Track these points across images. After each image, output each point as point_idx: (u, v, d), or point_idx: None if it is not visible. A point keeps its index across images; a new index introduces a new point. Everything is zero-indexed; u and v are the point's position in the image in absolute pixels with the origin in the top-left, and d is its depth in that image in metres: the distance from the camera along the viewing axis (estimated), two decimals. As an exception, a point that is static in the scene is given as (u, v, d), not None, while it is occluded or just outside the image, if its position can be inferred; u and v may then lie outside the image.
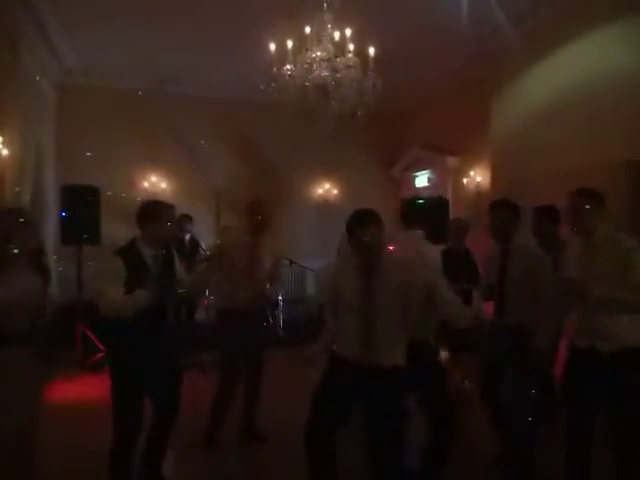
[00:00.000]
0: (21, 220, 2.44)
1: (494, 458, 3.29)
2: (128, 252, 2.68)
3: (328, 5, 4.28)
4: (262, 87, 4.58)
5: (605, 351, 2.46)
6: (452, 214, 7.32)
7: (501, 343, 3.15)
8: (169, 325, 2.94)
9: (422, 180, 8.43)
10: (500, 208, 3.23)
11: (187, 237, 6.48)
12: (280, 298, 6.47)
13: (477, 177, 7.11)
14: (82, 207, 5.66)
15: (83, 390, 4.90)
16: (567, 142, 5.15)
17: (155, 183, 7.82)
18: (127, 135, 7.42)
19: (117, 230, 6.64)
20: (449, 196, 7.56)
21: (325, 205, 8.39)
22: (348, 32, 4.31)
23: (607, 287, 2.41)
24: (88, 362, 5.51)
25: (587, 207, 2.56)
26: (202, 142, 7.59)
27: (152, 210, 2.75)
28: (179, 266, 2.98)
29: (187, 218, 6.47)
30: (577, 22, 5.10)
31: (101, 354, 5.55)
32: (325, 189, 8.61)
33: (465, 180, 7.32)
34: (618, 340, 2.44)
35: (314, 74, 4.17)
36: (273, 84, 4.28)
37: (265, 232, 3.59)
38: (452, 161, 7.59)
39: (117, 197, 6.79)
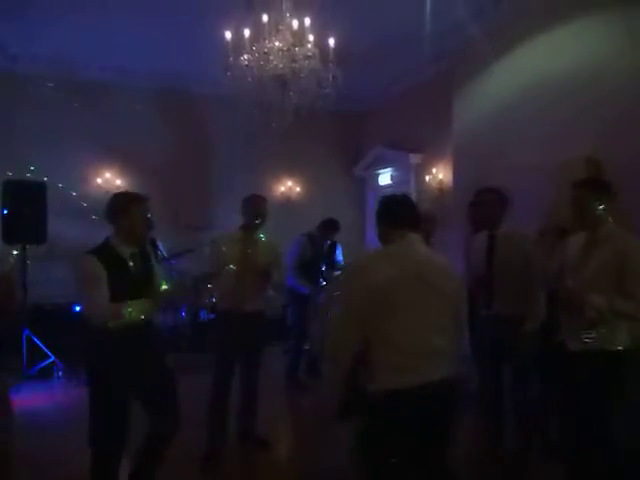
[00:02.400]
0: None
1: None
2: (104, 252, 2.46)
3: (287, -7, 4.13)
4: (218, 78, 4.39)
5: (571, 350, 2.46)
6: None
7: (495, 336, 3.09)
8: (154, 328, 2.74)
9: (385, 178, 8.37)
10: (487, 193, 3.22)
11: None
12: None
13: (439, 174, 7.09)
14: (27, 204, 5.33)
15: (31, 399, 4.61)
16: (528, 138, 5.16)
17: (109, 179, 7.48)
18: (79, 128, 7.06)
19: (65, 229, 6.47)
20: (412, 193, 7.53)
21: (287, 203, 8.23)
22: (307, 22, 4.16)
23: (604, 296, 2.33)
24: (35, 369, 5.19)
25: (591, 199, 2.48)
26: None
27: (125, 203, 2.52)
28: (156, 264, 2.79)
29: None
30: (539, 18, 5.11)
31: (49, 360, 5.25)
32: (287, 187, 8.45)
33: (428, 177, 7.29)
34: (584, 342, 2.42)
35: (272, 64, 4.00)
36: (229, 74, 4.09)
37: (260, 228, 3.49)
38: (415, 158, 7.55)
39: (65, 194, 6.45)
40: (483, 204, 3.24)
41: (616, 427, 2.38)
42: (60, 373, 5.29)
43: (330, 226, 5.25)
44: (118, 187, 7.47)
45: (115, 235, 2.52)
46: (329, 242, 5.36)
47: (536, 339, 3.05)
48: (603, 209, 2.47)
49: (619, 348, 2.38)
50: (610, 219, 2.51)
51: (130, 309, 2.41)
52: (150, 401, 2.57)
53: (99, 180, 7.44)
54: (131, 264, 2.50)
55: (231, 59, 4.18)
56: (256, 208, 3.47)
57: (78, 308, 6.15)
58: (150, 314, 2.56)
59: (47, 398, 4.67)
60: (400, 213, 2.17)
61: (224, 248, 3.37)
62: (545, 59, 5.07)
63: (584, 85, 4.60)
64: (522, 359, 3.04)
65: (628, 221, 3.33)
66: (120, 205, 2.52)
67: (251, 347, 3.50)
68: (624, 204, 4.08)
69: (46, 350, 5.27)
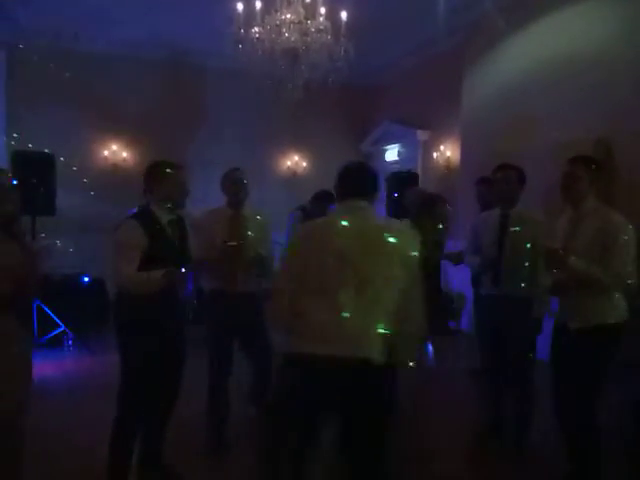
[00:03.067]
0: None
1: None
2: (145, 218, 2.52)
3: (299, -36, 4.06)
4: (228, 51, 4.35)
5: (573, 328, 2.53)
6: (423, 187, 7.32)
7: (501, 316, 3.10)
8: (180, 299, 2.76)
9: (392, 154, 8.34)
10: (507, 170, 3.17)
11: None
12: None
13: (447, 151, 7.06)
14: (36, 175, 5.33)
15: (41, 368, 4.70)
16: (538, 117, 5.13)
17: (116, 152, 7.47)
18: (86, 101, 7.03)
19: (72, 200, 6.50)
20: (418, 170, 7.51)
21: (293, 178, 8.23)
22: (319, -6, 4.11)
23: (585, 260, 2.42)
24: (45, 339, 5.29)
25: (579, 175, 2.52)
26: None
27: (164, 170, 2.60)
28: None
29: None
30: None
31: (59, 330, 5.35)
32: (294, 161, 8.43)
33: (435, 154, 7.26)
34: (585, 319, 2.49)
35: (283, 37, 3.96)
36: (240, 47, 4.05)
37: (244, 202, 3.25)
38: (422, 135, 7.51)
39: (72, 166, 6.45)
40: (502, 180, 3.15)
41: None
42: (70, 342, 5.38)
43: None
44: (125, 160, 7.49)
45: (153, 202, 2.59)
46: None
47: (540, 325, 3.09)
48: (591, 188, 2.54)
49: (612, 322, 2.47)
50: (593, 197, 2.57)
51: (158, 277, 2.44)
52: (161, 370, 2.63)
53: (106, 152, 7.44)
54: (169, 230, 2.57)
55: (242, 31, 4.14)
56: (235, 183, 3.25)
57: (86, 279, 6.24)
58: (180, 282, 2.61)
59: (57, 367, 4.76)
60: (343, 184, 2.10)
61: (211, 226, 3.18)
62: (558, 37, 5.00)
63: (597, 64, 4.55)
64: (524, 344, 3.07)
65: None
66: (156, 172, 2.60)
67: (253, 329, 3.27)
68: (633, 186, 4.11)
69: (56, 319, 5.35)
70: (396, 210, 4.92)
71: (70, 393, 4.12)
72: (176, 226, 2.63)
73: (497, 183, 3.18)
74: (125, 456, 2.56)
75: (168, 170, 2.60)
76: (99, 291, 6.16)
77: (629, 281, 2.40)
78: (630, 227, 2.44)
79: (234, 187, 3.22)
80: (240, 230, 3.16)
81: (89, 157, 7.34)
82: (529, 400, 3.14)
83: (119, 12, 6.09)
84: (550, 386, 2.70)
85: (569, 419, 2.59)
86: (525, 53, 5.40)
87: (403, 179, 5.74)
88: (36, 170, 5.33)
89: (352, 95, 8.42)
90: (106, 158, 7.43)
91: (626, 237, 2.41)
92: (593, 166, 2.57)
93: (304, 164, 8.48)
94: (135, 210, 2.60)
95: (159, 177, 2.59)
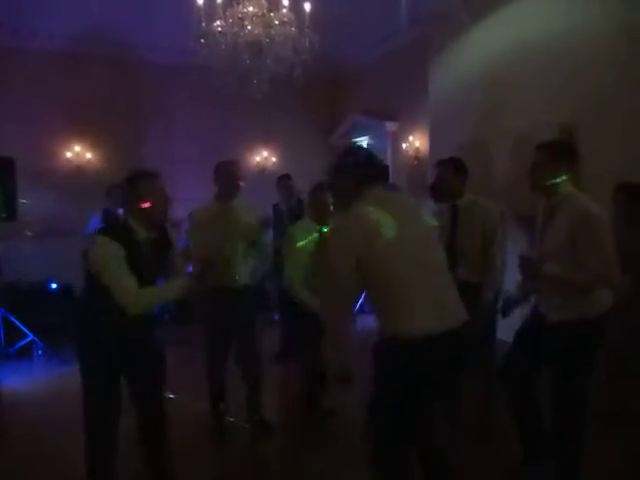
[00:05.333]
0: None
1: None
2: (123, 234, 2.28)
3: (259, -45, 3.98)
4: (191, 46, 4.24)
5: (550, 321, 2.47)
6: (392, 179, 7.34)
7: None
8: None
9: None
10: (444, 165, 3.27)
11: (120, 211, 5.80)
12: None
13: (416, 142, 7.09)
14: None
15: (11, 379, 4.55)
16: (504, 104, 5.18)
17: (79, 153, 7.25)
18: (47, 101, 6.80)
19: (35, 205, 6.29)
20: (388, 161, 7.52)
21: (263, 174, 8.14)
22: (281, -15, 4.04)
23: (558, 265, 2.32)
24: (13, 349, 5.11)
25: (540, 162, 2.40)
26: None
27: (144, 181, 2.34)
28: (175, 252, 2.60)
29: (119, 188, 5.78)
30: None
31: (28, 339, 5.18)
32: (263, 157, 8.34)
33: (404, 145, 7.29)
34: (563, 312, 2.42)
35: (246, 30, 3.89)
36: (202, 41, 3.96)
37: (235, 195, 3.28)
38: (391, 126, 7.53)
39: (34, 169, 6.25)
40: (439, 177, 3.29)
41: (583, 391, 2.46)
42: (40, 352, 5.22)
43: (283, 178, 5.25)
44: (89, 161, 7.28)
45: (132, 215, 2.36)
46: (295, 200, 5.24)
47: (492, 308, 3.13)
48: (561, 175, 2.38)
49: (593, 314, 2.39)
50: (568, 185, 2.42)
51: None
52: (135, 384, 2.50)
53: (69, 154, 7.21)
54: (144, 249, 2.35)
55: (203, 25, 4.05)
56: (232, 174, 3.30)
57: (54, 285, 6.06)
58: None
59: (27, 377, 4.62)
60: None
61: (202, 222, 3.20)
62: (522, 25, 5.05)
63: (560, 50, 4.61)
64: (476, 328, 3.11)
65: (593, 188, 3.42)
66: (138, 183, 2.35)
67: (244, 325, 3.33)
68: (595, 173, 4.19)
69: (24, 329, 5.18)
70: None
71: (42, 403, 4.00)
72: (154, 244, 2.41)
73: (436, 180, 3.31)
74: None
75: (144, 182, 2.35)
76: (67, 297, 5.99)
77: (611, 277, 2.26)
78: (601, 217, 2.29)
79: (228, 179, 3.25)
80: (235, 220, 3.20)
81: (51, 159, 7.10)
82: (490, 383, 3.23)
83: (72, 7, 5.87)
84: (509, 364, 2.66)
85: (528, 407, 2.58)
86: (489, 42, 5.45)
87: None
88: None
89: (319, 88, 8.36)
90: (69, 160, 7.20)
91: (599, 229, 2.25)
92: (564, 152, 2.44)
93: (273, 159, 8.40)
94: (103, 223, 2.43)
95: (139, 189, 2.33)
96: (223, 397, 3.38)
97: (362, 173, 2.03)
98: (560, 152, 2.44)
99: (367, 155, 2.11)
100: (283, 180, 5.31)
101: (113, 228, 2.38)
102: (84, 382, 2.37)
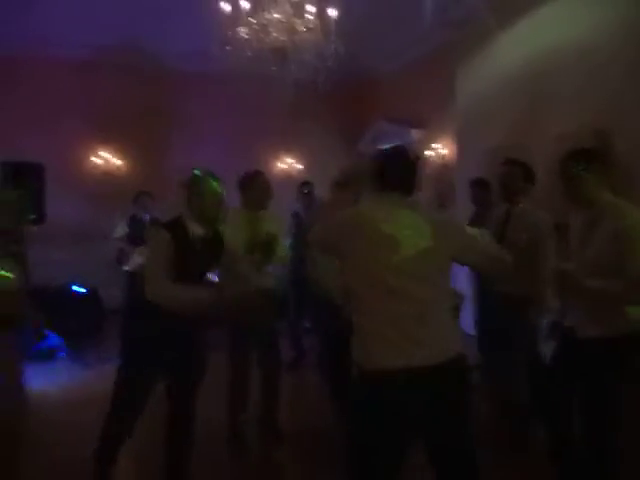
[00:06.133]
0: None
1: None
2: (175, 228, 2.38)
3: (285, -38, 3.97)
4: (215, 53, 4.25)
5: (581, 337, 2.32)
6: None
7: (503, 317, 3.02)
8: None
9: (387, 154, 8.24)
10: (513, 166, 3.11)
11: (147, 217, 5.66)
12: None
13: (443, 150, 6.98)
14: (25, 185, 5.24)
15: (34, 381, 4.59)
16: (535, 111, 5.05)
17: (107, 159, 7.37)
18: (74, 109, 6.95)
19: (63, 209, 6.41)
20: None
21: (289, 181, 8.13)
22: (307, -8, 4.02)
23: (602, 280, 2.16)
24: (37, 350, 5.18)
25: (581, 171, 2.24)
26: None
27: (197, 181, 2.46)
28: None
29: (147, 195, 5.81)
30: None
31: (52, 342, 5.24)
32: (288, 164, 8.33)
33: (430, 153, 7.18)
34: (594, 327, 2.27)
35: (271, 37, 3.87)
36: (228, 48, 3.97)
37: (264, 206, 3.33)
38: (417, 134, 7.43)
39: (63, 175, 6.37)
40: (505, 175, 3.09)
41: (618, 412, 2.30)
42: (63, 354, 5.27)
43: (304, 186, 5.17)
44: (117, 167, 7.40)
45: (188, 214, 2.45)
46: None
47: (540, 325, 2.96)
48: (595, 185, 2.26)
49: (627, 331, 2.23)
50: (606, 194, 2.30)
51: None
52: (176, 390, 2.54)
53: (96, 160, 7.34)
54: (198, 246, 2.41)
55: (229, 33, 4.06)
56: (266, 185, 3.36)
57: (80, 289, 6.13)
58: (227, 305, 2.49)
59: (50, 380, 4.66)
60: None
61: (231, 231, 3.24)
62: (550, 29, 4.92)
63: (592, 54, 4.47)
64: (522, 344, 2.96)
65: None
66: (198, 185, 2.46)
67: (266, 327, 3.34)
68: (632, 177, 4.02)
69: (48, 331, 5.25)
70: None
71: (65, 405, 4.03)
72: (208, 244, 2.47)
73: (500, 178, 3.11)
74: (105, 465, 2.50)
75: (204, 183, 2.45)
76: (93, 301, 6.06)
77: None
78: None
79: (261, 190, 3.30)
80: (262, 230, 3.21)
81: (79, 165, 7.24)
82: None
83: (99, 17, 5.98)
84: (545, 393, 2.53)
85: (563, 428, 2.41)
86: (517, 47, 5.32)
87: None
88: (25, 180, 5.24)
89: (345, 95, 8.34)
90: (97, 166, 7.33)
91: None
92: (590, 157, 2.30)
93: (299, 167, 8.38)
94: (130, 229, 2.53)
95: (196, 189, 2.44)
96: (245, 407, 3.35)
97: (380, 179, 1.90)
98: (592, 160, 2.29)
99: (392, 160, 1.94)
100: (304, 187, 5.26)
101: (169, 222, 2.44)
102: (122, 371, 2.44)
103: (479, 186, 4.44)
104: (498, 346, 3.09)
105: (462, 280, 4.47)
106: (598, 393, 2.29)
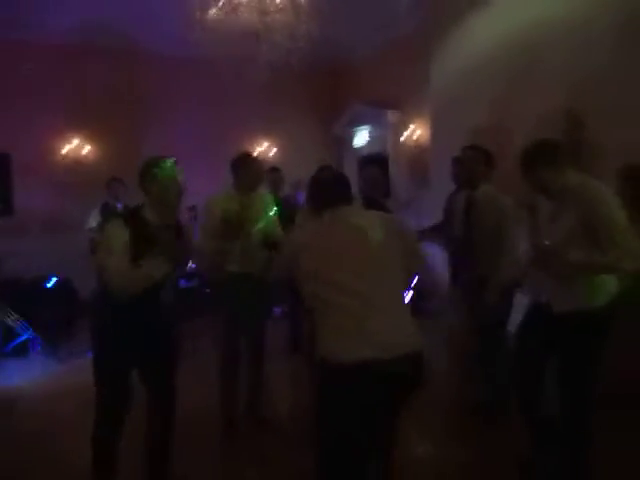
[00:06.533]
0: None
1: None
2: (133, 218, 2.33)
3: (254, -60, 3.86)
4: (186, 36, 4.14)
5: (556, 311, 2.39)
6: (392, 168, 7.24)
7: (478, 297, 3.09)
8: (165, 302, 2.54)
9: (363, 136, 8.22)
10: (471, 150, 3.14)
11: (120, 205, 5.52)
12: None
13: (417, 131, 6.98)
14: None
15: (8, 377, 4.50)
16: (507, 92, 5.06)
17: (77, 147, 7.16)
18: (44, 94, 6.71)
19: (31, 199, 6.23)
20: (390, 151, 7.43)
21: (264, 164, 8.04)
22: (277, -29, 3.92)
23: (584, 252, 2.24)
24: (11, 346, 5.06)
25: (540, 172, 2.34)
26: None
27: (156, 169, 2.36)
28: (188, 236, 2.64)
29: (118, 182, 5.66)
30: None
31: (25, 337, 5.12)
32: (264, 147, 8.24)
33: (405, 134, 7.17)
34: (569, 302, 2.35)
35: (242, 18, 3.78)
36: (198, 30, 3.86)
37: (254, 189, 3.32)
38: (392, 115, 7.41)
39: (31, 163, 6.18)
40: (463, 162, 3.17)
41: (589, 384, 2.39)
42: (37, 349, 5.17)
43: (272, 171, 5.11)
44: (86, 155, 7.20)
45: (147, 203, 2.38)
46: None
47: (504, 296, 3.03)
48: (551, 172, 2.35)
49: (600, 304, 2.33)
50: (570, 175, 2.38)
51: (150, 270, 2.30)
52: (149, 375, 2.51)
53: (66, 148, 7.12)
54: (159, 237, 2.34)
55: (198, 14, 3.95)
56: (258, 167, 3.37)
57: (53, 280, 5.99)
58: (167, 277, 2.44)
59: (25, 374, 4.57)
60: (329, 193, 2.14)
61: (217, 213, 3.16)
62: (523, 9, 4.93)
63: (564, 35, 4.49)
64: (487, 315, 3.03)
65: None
66: (151, 173, 2.36)
67: (259, 315, 3.38)
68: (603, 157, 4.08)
69: (22, 326, 5.13)
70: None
71: (40, 400, 3.96)
72: (168, 233, 2.40)
73: (462, 163, 3.18)
74: (108, 453, 2.44)
75: (157, 169, 2.35)
76: (67, 293, 5.93)
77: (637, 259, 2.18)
78: (609, 201, 2.24)
79: (254, 172, 3.29)
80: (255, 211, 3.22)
81: (48, 154, 7.01)
82: (497, 375, 3.17)
83: (71, 4, 5.76)
84: (515, 368, 2.61)
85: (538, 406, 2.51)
86: (489, 28, 5.31)
87: (372, 161, 5.68)
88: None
89: (320, 77, 8.26)
90: (67, 154, 7.12)
91: (609, 213, 2.21)
92: (545, 148, 2.40)
93: (274, 149, 8.30)
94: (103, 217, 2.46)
95: (150, 176, 2.36)
96: (237, 395, 3.35)
97: (324, 197, 2.09)
98: (541, 155, 2.38)
99: (331, 179, 2.19)
100: (272, 173, 5.18)
101: (127, 212, 2.39)
102: (96, 369, 2.40)
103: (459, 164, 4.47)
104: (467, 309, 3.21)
105: (440, 264, 4.53)
106: (577, 364, 2.37)
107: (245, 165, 3.31)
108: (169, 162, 2.40)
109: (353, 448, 1.85)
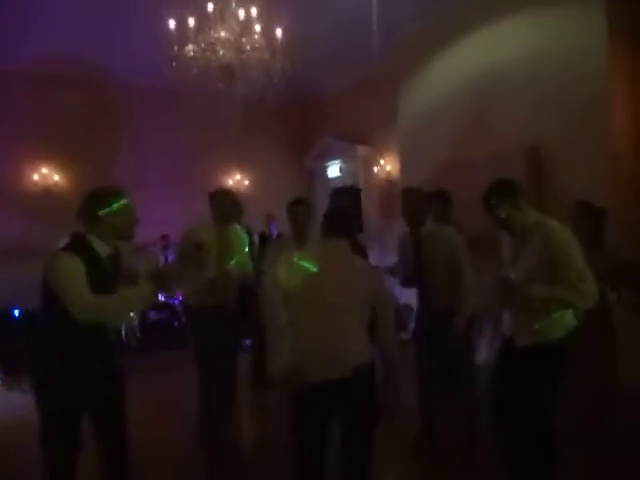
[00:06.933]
0: None
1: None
2: (85, 250, 2.25)
3: (232, -18, 4.04)
4: (162, 69, 4.24)
5: (518, 345, 2.49)
6: (364, 203, 7.42)
7: (429, 327, 3.22)
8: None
9: (334, 170, 8.41)
10: (410, 193, 3.30)
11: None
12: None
13: (387, 166, 7.20)
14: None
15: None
16: (473, 128, 5.32)
17: (47, 175, 7.11)
18: (13, 122, 6.68)
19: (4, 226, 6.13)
20: (361, 185, 7.61)
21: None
22: (254, 11, 4.09)
23: (546, 285, 2.35)
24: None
25: (498, 201, 2.47)
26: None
27: (110, 199, 2.31)
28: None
29: None
30: (478, 13, 5.27)
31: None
32: (236, 180, 8.33)
33: (376, 169, 7.38)
34: (530, 336, 2.45)
35: (218, 55, 3.91)
36: (174, 64, 3.97)
37: (233, 221, 3.47)
38: (363, 150, 7.63)
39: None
40: (405, 204, 3.29)
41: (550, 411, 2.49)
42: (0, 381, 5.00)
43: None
44: (56, 183, 7.14)
45: (93, 232, 2.31)
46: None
47: (465, 331, 3.15)
48: (509, 210, 2.48)
49: (558, 337, 2.44)
50: (529, 213, 2.52)
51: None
52: (98, 416, 2.40)
53: (36, 176, 7.06)
54: (106, 268, 2.32)
55: (175, 49, 4.06)
56: (235, 201, 3.50)
57: (17, 312, 5.85)
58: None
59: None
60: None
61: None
62: (484, 52, 5.24)
63: (524, 74, 4.79)
64: (450, 350, 3.13)
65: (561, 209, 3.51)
66: (102, 202, 2.31)
67: (230, 347, 3.42)
68: (562, 189, 4.32)
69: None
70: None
71: (3, 434, 3.81)
72: (113, 262, 2.39)
73: (402, 205, 3.29)
74: None
75: (117, 203, 2.32)
76: (31, 324, 5.77)
77: (593, 292, 2.32)
78: (568, 240, 2.36)
79: (230, 206, 3.42)
80: (231, 243, 3.37)
81: (17, 181, 6.94)
82: (466, 404, 3.26)
83: (42, 28, 5.81)
84: (489, 397, 2.68)
85: (509, 434, 2.56)
86: (455, 67, 5.61)
87: (344, 193, 5.81)
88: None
89: (292, 112, 8.46)
90: (36, 182, 7.05)
91: (567, 251, 2.33)
92: (506, 187, 2.52)
93: (246, 182, 8.40)
94: (67, 242, 2.38)
95: (108, 211, 2.30)
96: (222, 428, 3.34)
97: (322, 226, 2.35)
98: (502, 193, 2.50)
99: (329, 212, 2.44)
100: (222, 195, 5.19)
101: (75, 244, 2.29)
102: (42, 415, 2.27)
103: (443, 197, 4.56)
104: (428, 346, 3.28)
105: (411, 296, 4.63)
106: (531, 397, 2.46)
107: (219, 198, 3.42)
108: (122, 195, 2.39)
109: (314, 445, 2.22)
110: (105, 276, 2.29)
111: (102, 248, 2.32)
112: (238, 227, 3.60)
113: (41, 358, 2.30)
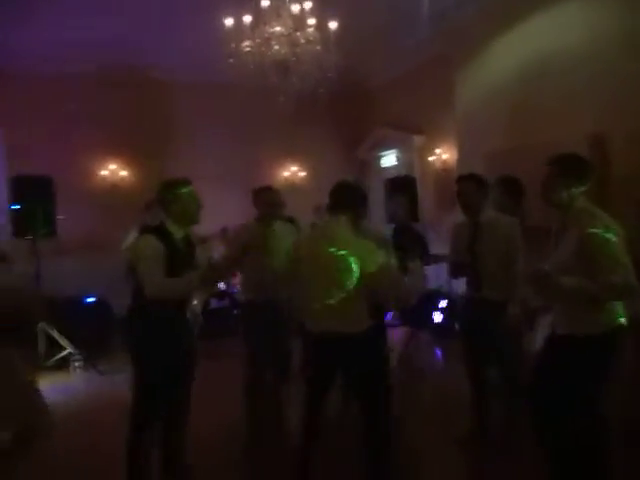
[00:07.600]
0: None
1: (461, 437, 3.30)
2: (165, 234, 2.63)
3: (286, -23, 4.10)
4: (220, 66, 4.38)
5: (558, 333, 2.44)
6: (420, 192, 7.33)
7: (479, 317, 3.18)
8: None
9: (389, 159, 8.36)
10: (466, 181, 3.25)
11: None
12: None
13: (443, 154, 7.08)
14: (35, 199, 5.38)
15: (49, 392, 4.67)
16: (531, 115, 5.15)
17: (114, 171, 7.52)
18: (82, 122, 7.10)
19: (73, 221, 6.54)
20: (416, 174, 7.52)
21: (293, 188, 8.25)
22: (307, 5, 4.14)
23: (576, 278, 2.24)
24: (52, 361, 5.28)
25: (555, 177, 2.37)
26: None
27: (180, 189, 2.68)
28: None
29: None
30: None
31: (66, 352, 5.34)
32: (292, 171, 8.45)
33: (431, 158, 7.28)
34: (568, 326, 2.40)
35: (273, 50, 4.00)
36: (231, 60, 4.09)
37: (274, 220, 3.58)
38: (418, 139, 7.54)
39: (72, 187, 6.51)
40: (461, 193, 3.24)
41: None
42: (77, 364, 5.37)
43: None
44: (122, 179, 7.54)
45: (168, 219, 2.66)
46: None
47: (519, 322, 3.09)
48: (571, 189, 2.37)
49: (600, 332, 2.32)
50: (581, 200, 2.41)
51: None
52: (175, 385, 2.70)
53: (104, 172, 7.48)
54: (182, 247, 2.67)
55: (233, 46, 4.18)
56: (269, 199, 3.58)
57: (91, 299, 6.25)
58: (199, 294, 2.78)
59: (65, 390, 4.75)
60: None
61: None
62: (547, 34, 5.03)
63: (588, 59, 4.57)
64: (504, 342, 3.11)
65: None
66: (171, 191, 2.66)
67: (283, 345, 3.61)
68: (627, 183, 4.10)
69: (62, 342, 5.35)
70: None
71: (81, 414, 4.12)
72: (187, 243, 2.72)
73: (458, 196, 3.25)
74: (142, 469, 2.62)
75: (183, 189, 2.66)
76: (104, 311, 6.18)
77: (625, 289, 2.19)
78: (599, 235, 2.23)
79: (267, 206, 3.55)
80: (275, 241, 3.48)
81: (88, 177, 7.39)
82: (514, 400, 3.20)
83: (101, 30, 6.08)
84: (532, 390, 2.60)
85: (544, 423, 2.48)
86: (513, 52, 5.42)
87: (399, 183, 5.77)
88: (35, 193, 5.38)
89: (346, 103, 8.47)
90: (105, 178, 7.48)
91: (600, 246, 2.22)
92: (567, 163, 2.41)
93: (302, 174, 8.50)
94: (149, 226, 2.73)
95: (175, 196, 2.65)
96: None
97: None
98: (569, 166, 2.40)
99: (332, 188, 2.71)
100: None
101: (155, 228, 2.66)
102: (140, 387, 2.61)
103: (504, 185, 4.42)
104: (478, 335, 3.23)
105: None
106: (563, 385, 2.38)
107: (257, 196, 3.59)
108: (188, 183, 2.72)
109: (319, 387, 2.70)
110: (180, 254, 2.64)
111: (177, 231, 2.66)
112: (283, 222, 3.71)
113: (141, 332, 2.63)
